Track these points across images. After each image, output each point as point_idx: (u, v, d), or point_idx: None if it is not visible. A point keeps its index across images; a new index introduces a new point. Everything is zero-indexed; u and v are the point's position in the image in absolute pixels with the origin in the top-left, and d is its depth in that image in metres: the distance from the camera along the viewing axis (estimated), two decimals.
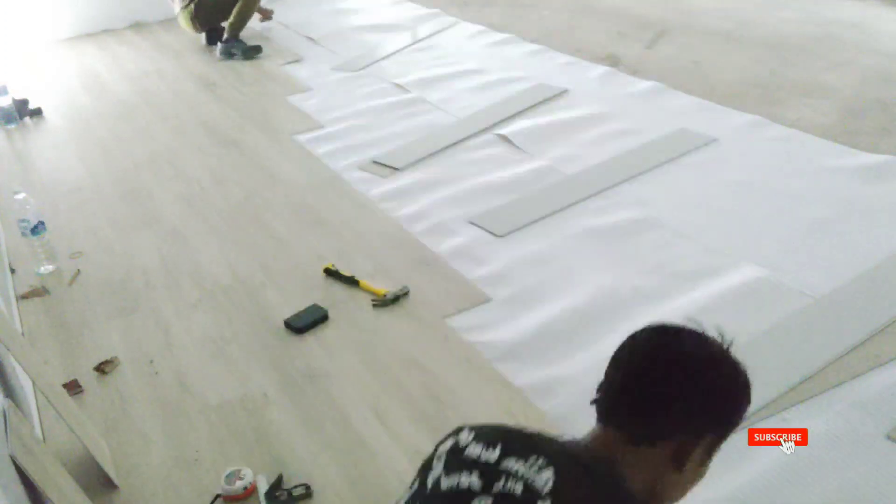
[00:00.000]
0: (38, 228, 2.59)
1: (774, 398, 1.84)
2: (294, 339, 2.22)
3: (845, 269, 2.33)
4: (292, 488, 1.69)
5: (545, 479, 0.84)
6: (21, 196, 2.58)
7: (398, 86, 4.20)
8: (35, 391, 2.02)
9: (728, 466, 1.66)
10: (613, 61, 4.44)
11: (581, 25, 5.25)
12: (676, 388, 0.93)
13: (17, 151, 3.80)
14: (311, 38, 5.21)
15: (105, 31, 5.93)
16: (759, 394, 1.85)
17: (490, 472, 0.86)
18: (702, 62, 4.34)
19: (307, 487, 1.69)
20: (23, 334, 2.31)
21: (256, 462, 1.79)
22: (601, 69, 4.24)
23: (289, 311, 2.33)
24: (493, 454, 0.89)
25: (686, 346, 0.98)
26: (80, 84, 4.74)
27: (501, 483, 0.85)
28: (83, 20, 5.84)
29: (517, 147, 3.29)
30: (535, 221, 2.74)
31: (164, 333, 2.29)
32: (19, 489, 1.26)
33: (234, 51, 4.70)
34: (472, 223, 2.77)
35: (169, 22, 6.11)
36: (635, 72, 4.21)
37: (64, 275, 2.63)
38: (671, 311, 2.19)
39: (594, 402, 0.98)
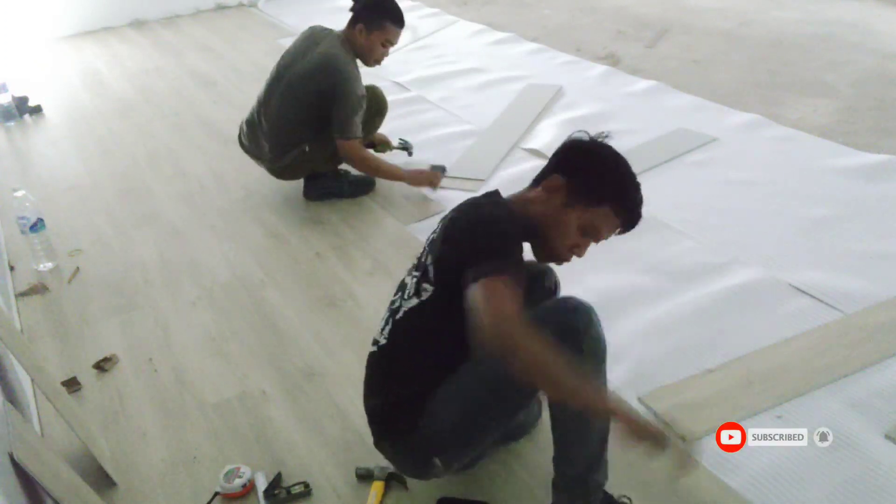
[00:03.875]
0: (37, 226, 2.59)
1: (774, 398, 1.85)
2: (293, 338, 2.22)
3: (845, 269, 2.33)
4: (291, 486, 1.69)
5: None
6: (20, 193, 2.58)
7: (398, 84, 4.20)
8: (34, 389, 2.01)
9: (728, 466, 1.67)
10: (613, 60, 4.44)
11: (581, 24, 5.26)
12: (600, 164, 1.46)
13: (17, 149, 3.80)
14: None
15: (105, 29, 5.93)
16: (759, 392, 1.85)
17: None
18: (702, 61, 4.34)
19: (306, 485, 1.69)
20: (22, 332, 2.31)
21: (255, 460, 1.79)
22: (601, 68, 4.24)
23: (289, 310, 2.34)
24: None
25: (602, 149, 1.47)
26: (80, 81, 4.74)
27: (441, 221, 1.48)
28: (83, 18, 5.84)
29: (547, 157, 3.19)
30: None
31: (163, 331, 2.29)
32: (17, 487, 1.26)
33: (333, 189, 3.01)
34: None
35: (169, 20, 6.12)
36: (635, 71, 4.21)
37: (63, 272, 2.63)
38: (671, 309, 2.19)
39: (553, 179, 1.48)
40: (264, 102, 2.87)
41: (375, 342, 1.54)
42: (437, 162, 3.06)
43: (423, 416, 1.44)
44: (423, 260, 1.49)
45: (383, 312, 1.58)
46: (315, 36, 2.87)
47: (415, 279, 1.48)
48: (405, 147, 3.22)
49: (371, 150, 2.99)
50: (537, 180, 1.51)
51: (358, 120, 2.75)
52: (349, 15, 2.83)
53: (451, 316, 1.33)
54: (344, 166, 3.04)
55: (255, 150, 2.96)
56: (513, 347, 1.17)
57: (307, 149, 2.82)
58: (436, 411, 1.43)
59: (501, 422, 1.46)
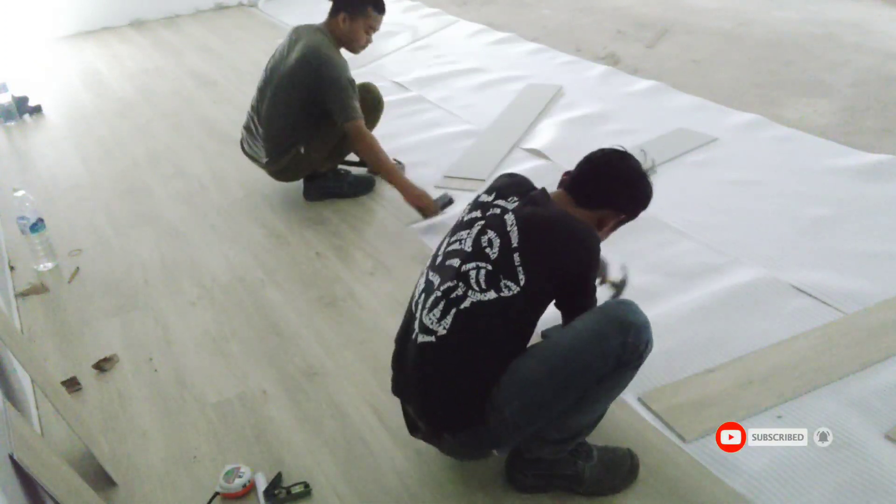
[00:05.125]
0: (37, 226, 2.59)
1: (773, 398, 1.85)
2: (293, 337, 2.22)
3: (845, 269, 2.33)
4: (291, 486, 1.69)
5: (513, 204, 1.56)
6: (20, 193, 2.58)
7: (398, 84, 4.20)
8: (34, 389, 2.02)
9: (728, 467, 1.67)
10: (614, 60, 4.44)
11: (581, 24, 5.26)
12: (610, 182, 1.64)
13: (17, 149, 3.80)
14: None
15: (105, 29, 5.93)
16: (759, 392, 1.85)
17: (486, 206, 1.59)
18: (702, 61, 4.34)
19: (306, 485, 1.69)
20: (22, 332, 2.31)
21: (255, 460, 1.79)
22: (601, 68, 4.24)
23: (289, 309, 2.34)
24: (490, 197, 1.61)
25: (619, 160, 1.64)
26: (80, 81, 4.74)
27: (490, 210, 1.57)
28: (83, 17, 5.84)
29: (548, 157, 3.20)
30: None
31: (163, 331, 2.29)
32: (17, 487, 1.26)
33: (333, 189, 3.00)
34: None
35: (169, 19, 6.12)
36: (635, 71, 4.21)
37: (63, 272, 2.63)
38: (671, 309, 2.19)
39: (564, 177, 1.68)
40: (256, 107, 2.88)
41: (427, 331, 1.48)
42: (437, 162, 3.04)
43: (492, 409, 1.45)
44: (491, 253, 1.47)
45: (416, 297, 1.56)
46: (297, 33, 2.85)
47: (483, 272, 1.46)
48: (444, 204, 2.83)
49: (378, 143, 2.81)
50: (579, 199, 1.62)
51: (355, 102, 2.70)
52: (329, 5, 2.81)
53: (533, 315, 1.50)
54: (344, 166, 3.04)
55: (254, 154, 2.96)
56: None
57: (302, 150, 2.82)
58: (501, 404, 1.44)
59: (558, 412, 1.48)
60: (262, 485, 1.70)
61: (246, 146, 3.00)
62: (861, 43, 4.42)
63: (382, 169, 2.79)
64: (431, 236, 2.69)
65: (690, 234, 2.59)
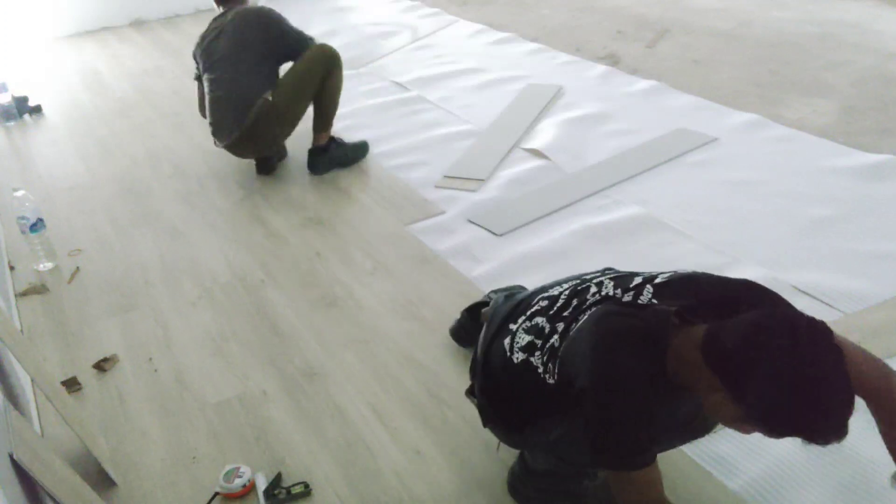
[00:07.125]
0: (37, 226, 2.59)
1: None
2: (293, 338, 2.22)
3: (845, 269, 2.33)
4: (291, 486, 1.69)
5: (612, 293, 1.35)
6: (20, 193, 2.58)
7: (398, 84, 4.19)
8: (34, 389, 2.02)
9: (727, 468, 1.67)
10: (614, 60, 4.44)
11: (581, 24, 5.25)
12: (753, 360, 1.07)
13: (17, 148, 3.80)
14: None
15: (105, 29, 5.93)
16: None
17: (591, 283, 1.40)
18: (702, 62, 4.34)
19: (306, 485, 1.69)
20: (21, 332, 2.31)
21: (255, 460, 1.79)
22: (601, 68, 4.24)
23: (289, 310, 2.34)
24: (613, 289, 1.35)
25: (783, 343, 1.07)
26: (80, 81, 4.74)
27: (590, 283, 1.40)
28: (83, 17, 5.84)
29: (547, 157, 3.20)
30: (535, 220, 2.74)
31: (163, 331, 2.29)
32: (17, 488, 1.26)
33: (337, 157, 3.16)
34: (472, 222, 2.77)
35: (169, 19, 6.12)
36: (635, 71, 4.21)
37: (63, 272, 2.63)
38: None
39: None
40: (215, 79, 2.98)
41: (511, 346, 1.45)
42: (437, 162, 3.03)
43: (533, 427, 1.45)
44: (558, 326, 1.35)
45: (535, 306, 1.47)
46: (225, 15, 3.06)
47: (547, 349, 1.36)
48: None
49: None
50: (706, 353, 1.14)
51: (307, 34, 3.06)
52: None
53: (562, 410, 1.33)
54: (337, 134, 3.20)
55: (225, 129, 3.01)
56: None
57: (270, 97, 2.93)
58: (545, 429, 1.43)
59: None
60: (262, 485, 1.70)
61: (216, 131, 3.06)
62: (861, 43, 4.42)
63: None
64: (431, 236, 2.69)
65: (690, 234, 2.59)
